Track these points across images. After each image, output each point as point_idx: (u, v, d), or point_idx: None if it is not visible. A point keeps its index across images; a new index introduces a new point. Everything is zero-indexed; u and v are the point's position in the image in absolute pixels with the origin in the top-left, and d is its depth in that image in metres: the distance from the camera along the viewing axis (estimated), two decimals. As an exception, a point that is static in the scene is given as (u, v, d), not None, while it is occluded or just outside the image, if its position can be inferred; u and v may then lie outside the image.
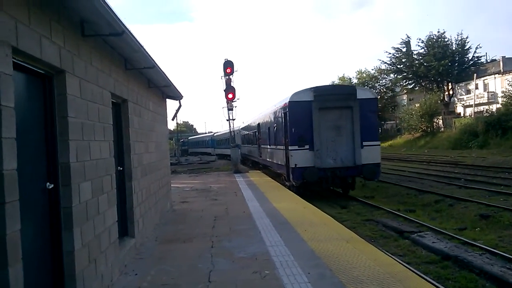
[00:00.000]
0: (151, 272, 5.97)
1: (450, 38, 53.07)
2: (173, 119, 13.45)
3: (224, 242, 7.54)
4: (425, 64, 52.50)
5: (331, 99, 14.99)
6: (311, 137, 14.68)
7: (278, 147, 17.77)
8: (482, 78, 49.17)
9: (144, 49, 6.17)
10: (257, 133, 25.33)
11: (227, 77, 23.62)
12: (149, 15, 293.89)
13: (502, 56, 47.99)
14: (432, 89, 54.44)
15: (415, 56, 55.45)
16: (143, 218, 7.89)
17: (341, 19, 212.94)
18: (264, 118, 22.47)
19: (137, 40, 5.62)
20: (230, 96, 23.99)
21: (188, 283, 5.47)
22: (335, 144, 14.88)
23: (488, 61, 52.81)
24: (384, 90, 63.59)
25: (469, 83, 50.78)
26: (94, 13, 4.33)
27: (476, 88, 48.93)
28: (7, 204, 2.99)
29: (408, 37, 56.59)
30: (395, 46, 57.46)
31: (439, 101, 50.53)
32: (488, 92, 48.43)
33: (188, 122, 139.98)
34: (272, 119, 19.27)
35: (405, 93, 63.06)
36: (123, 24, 4.79)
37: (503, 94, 40.13)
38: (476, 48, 52.67)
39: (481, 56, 53.68)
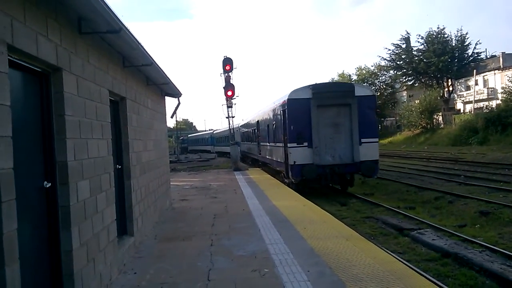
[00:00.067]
0: (150, 270, 5.95)
1: (449, 34, 53.05)
2: (172, 117, 13.43)
3: (224, 240, 7.53)
4: (424, 60, 52.39)
5: (330, 97, 15.04)
6: (310, 134, 14.74)
7: (277, 144, 17.80)
8: (482, 74, 49.09)
9: (142, 47, 6.14)
10: (256, 131, 25.32)
11: (226, 74, 23.58)
12: (148, 12, 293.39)
13: (502, 52, 47.85)
14: (432, 85, 54.34)
15: (414, 53, 55.33)
16: (142, 216, 7.87)
17: (340, 16, 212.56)
18: (263, 115, 22.49)
19: (134, 38, 5.58)
20: (229, 93, 23.96)
21: (187, 281, 5.45)
22: (334, 141, 14.95)
23: (488, 57, 52.74)
24: (384, 86, 63.50)
25: (469, 79, 50.69)
26: (91, 10, 4.30)
27: (476, 84, 48.85)
28: (3, 204, 2.96)
29: (408, 33, 56.56)
30: (395, 43, 57.45)
31: (438, 98, 50.48)
32: (488, 88, 48.37)
33: (187, 119, 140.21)
34: (271, 116, 19.29)
35: (404, 90, 62.99)
36: (120, 22, 4.75)
37: (503, 90, 40.09)
38: (476, 44, 52.69)
39: (480, 52, 53.68)
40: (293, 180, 15.29)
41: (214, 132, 59.47)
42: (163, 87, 10.66)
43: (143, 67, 7.47)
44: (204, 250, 6.87)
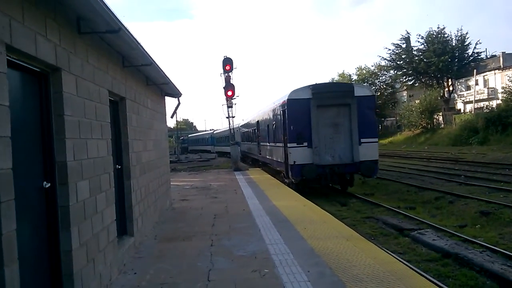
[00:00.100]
0: (150, 271, 5.94)
1: (450, 34, 53.04)
2: (172, 117, 13.41)
3: (224, 240, 7.51)
4: (425, 60, 52.36)
5: (329, 97, 15.08)
6: (310, 134, 14.78)
7: (277, 144, 17.82)
8: (482, 74, 49.06)
9: (141, 46, 6.13)
10: (256, 131, 25.34)
11: (226, 74, 23.57)
12: (148, 12, 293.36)
13: (502, 52, 47.82)
14: (432, 85, 54.31)
15: (415, 52, 55.31)
16: (142, 216, 7.86)
17: (340, 16, 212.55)
18: (263, 115, 22.51)
19: (134, 37, 5.57)
20: (229, 93, 23.95)
21: (187, 282, 5.44)
22: (333, 141, 15.00)
23: (488, 56, 52.72)
24: (384, 86, 63.44)
25: (469, 79, 50.65)
26: (90, 10, 4.29)
27: (476, 84, 48.82)
28: (2, 204, 2.95)
29: (408, 33, 56.56)
30: (395, 42, 57.42)
31: (439, 98, 50.45)
32: (488, 88, 48.33)
33: (188, 119, 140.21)
34: (271, 116, 19.32)
35: (405, 90, 62.96)
36: (120, 21, 4.74)
37: (503, 90, 40.02)
38: (476, 44, 52.64)
39: (481, 52, 53.65)
40: (293, 180, 15.32)
41: (214, 132, 59.47)
42: (163, 87, 10.65)
43: (143, 67, 7.46)
44: (204, 250, 6.85)
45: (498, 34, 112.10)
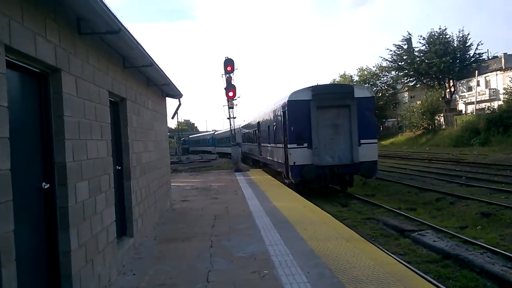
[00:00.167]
0: (150, 272, 5.94)
1: (451, 35, 52.95)
2: (173, 118, 13.42)
3: (224, 241, 7.50)
4: (426, 61, 52.32)
5: (329, 98, 15.18)
6: (310, 135, 14.87)
7: (278, 145, 17.89)
8: (484, 75, 48.99)
9: (142, 47, 6.13)
10: (257, 132, 25.39)
11: (227, 75, 23.58)
12: (150, 13, 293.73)
13: (504, 53, 47.73)
14: (433, 86, 54.25)
15: (416, 53, 55.30)
16: (142, 217, 7.85)
17: (341, 17, 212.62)
18: (264, 116, 22.60)
19: (134, 38, 5.58)
20: (230, 94, 23.96)
21: (186, 283, 5.43)
22: (333, 142, 15.09)
23: (490, 58, 52.64)
24: (385, 87, 63.42)
25: (470, 80, 50.60)
26: (90, 11, 4.29)
27: (478, 85, 48.75)
28: (0, 205, 2.95)
29: (409, 34, 56.54)
30: (396, 43, 57.40)
31: (440, 99, 50.38)
32: (489, 89, 48.26)
33: (189, 120, 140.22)
34: (272, 117, 19.41)
35: (406, 91, 62.91)
36: (120, 22, 4.74)
37: (504, 91, 39.98)
38: (478, 45, 52.75)
39: (482, 53, 53.60)
40: (293, 180, 15.39)
41: (216, 133, 59.49)
42: (164, 88, 10.65)
43: (143, 68, 7.46)
44: (204, 251, 6.85)
45: (499, 35, 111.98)
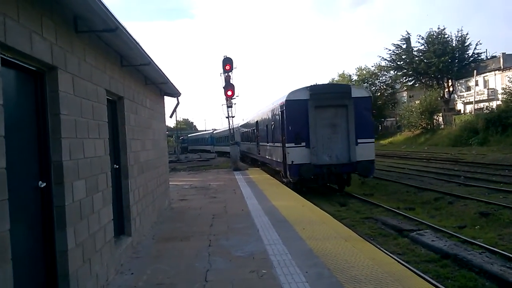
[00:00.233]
0: (147, 271, 5.91)
1: (450, 34, 52.97)
2: (171, 116, 13.39)
3: (222, 240, 7.48)
4: (425, 60, 52.33)
5: (327, 98, 15.31)
6: (307, 134, 14.99)
7: (276, 144, 17.98)
8: (482, 75, 49.02)
9: (139, 46, 6.09)
10: (255, 131, 25.43)
11: (226, 74, 23.54)
12: (148, 12, 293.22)
13: (502, 53, 47.77)
14: (432, 86, 54.30)
15: (415, 53, 55.29)
16: (140, 216, 7.82)
17: (340, 17, 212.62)
18: (262, 116, 22.66)
19: (131, 37, 5.54)
20: (229, 93, 23.92)
21: (184, 282, 5.41)
22: (331, 142, 15.22)
23: (488, 57, 52.66)
24: (384, 87, 63.44)
25: (469, 79, 50.62)
26: (87, 9, 4.25)
27: (476, 84, 48.77)
28: (-5, 204, 2.92)
29: (408, 34, 56.47)
30: (395, 43, 57.38)
31: (439, 98, 50.43)
32: (488, 88, 48.29)
33: (188, 119, 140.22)
34: (270, 117, 19.50)
35: (405, 90, 62.93)
36: (117, 20, 4.71)
37: (503, 91, 40.00)
38: (476, 44, 52.58)
39: (481, 53, 53.60)
40: (291, 179, 15.50)
41: (214, 132, 59.46)
42: (162, 87, 10.62)
43: (141, 66, 7.42)
44: (202, 251, 6.82)
45: (498, 34, 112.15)
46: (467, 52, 52.79)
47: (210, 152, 51.42)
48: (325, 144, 15.14)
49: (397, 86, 63.66)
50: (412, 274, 5.52)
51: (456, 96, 53.94)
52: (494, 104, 43.37)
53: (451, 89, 55.10)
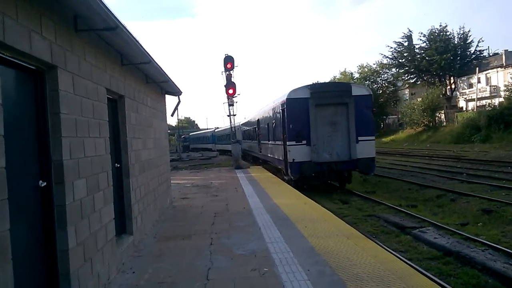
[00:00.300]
0: (149, 270, 5.90)
1: (452, 32, 52.84)
2: (172, 115, 13.46)
3: (224, 239, 7.47)
4: (427, 58, 52.17)
5: (327, 96, 15.41)
6: (308, 132, 15.07)
7: (277, 142, 18.06)
8: (485, 72, 48.84)
9: (140, 44, 6.07)
10: (257, 129, 25.46)
11: (227, 72, 23.51)
12: (150, 11, 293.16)
13: (505, 50, 47.61)
14: (434, 83, 54.16)
15: (417, 50, 55.13)
16: (142, 215, 7.82)
17: (341, 15, 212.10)
18: (263, 114, 22.73)
19: (131, 35, 5.52)
20: (230, 91, 23.88)
21: (186, 281, 5.40)
22: (331, 139, 15.29)
23: (491, 54, 52.42)
24: (386, 84, 63.30)
25: (471, 77, 50.45)
26: (87, 8, 4.24)
27: (479, 82, 48.61)
28: (-5, 204, 2.91)
29: (410, 31, 56.56)
30: (397, 40, 57.21)
31: (441, 95, 50.28)
32: (490, 86, 48.11)
33: (189, 118, 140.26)
34: (271, 115, 19.57)
35: (407, 88, 62.77)
36: (117, 19, 4.68)
37: (505, 88, 39.88)
38: (478, 41, 52.37)
39: (483, 50, 53.40)
40: (292, 177, 15.57)
41: (216, 130, 59.45)
42: (163, 85, 10.60)
43: (142, 65, 7.41)
44: (204, 249, 6.81)
45: (500, 31, 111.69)
46: (469, 49, 52.64)
47: (212, 151, 51.39)
48: (325, 142, 15.22)
49: (399, 84, 63.48)
50: (415, 272, 5.50)
51: (458, 94, 53.78)
52: (496, 101, 43.22)
53: (453, 86, 54.93)
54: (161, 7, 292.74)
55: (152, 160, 9.21)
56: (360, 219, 11.31)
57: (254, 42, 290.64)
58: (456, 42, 52.08)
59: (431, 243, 8.46)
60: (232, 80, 23.70)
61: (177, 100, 12.28)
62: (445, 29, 52.36)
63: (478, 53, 52.81)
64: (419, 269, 6.36)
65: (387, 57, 58.89)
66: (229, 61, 23.36)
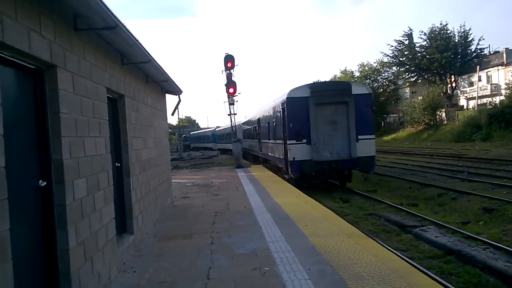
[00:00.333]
0: (150, 269, 5.90)
1: (452, 30, 52.79)
2: (172, 114, 13.37)
3: (224, 238, 7.46)
4: (427, 56, 52.13)
5: (327, 95, 15.44)
6: (309, 131, 15.09)
7: (277, 141, 18.08)
8: (485, 70, 48.80)
9: (140, 43, 6.05)
10: (257, 128, 25.49)
11: (228, 71, 23.48)
12: (150, 10, 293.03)
13: (506, 48, 47.59)
14: (434, 81, 54.12)
15: (417, 49, 55.08)
16: (142, 214, 7.81)
17: (342, 14, 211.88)
18: (264, 113, 22.77)
19: (131, 34, 5.50)
20: (231, 90, 23.85)
21: (186, 280, 5.39)
22: (331, 138, 15.32)
23: (491, 53, 52.42)
24: (387, 83, 63.27)
25: (472, 75, 50.41)
26: (86, 7, 4.22)
27: (479, 80, 48.56)
28: (-5, 203, 2.91)
29: (411, 30, 56.27)
30: (397, 39, 57.16)
31: (442, 94, 50.25)
32: (491, 84, 48.08)
33: (190, 117, 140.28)
34: (272, 114, 19.60)
35: (407, 86, 62.73)
36: (116, 18, 4.67)
37: (506, 86, 39.82)
38: (479, 40, 52.36)
39: (484, 48, 53.36)
40: (292, 176, 15.60)
41: (216, 129, 59.44)
42: (163, 84, 10.58)
43: (142, 64, 7.39)
44: (205, 248, 6.81)
45: (501, 30, 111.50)
46: (470, 48, 52.57)
47: (213, 150, 51.42)
48: (326, 141, 15.24)
49: (400, 82, 63.45)
50: (416, 271, 5.49)
51: (459, 92, 53.75)
52: (497, 99, 43.19)
53: (453, 84, 54.88)
54: (161, 7, 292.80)
55: (153, 159, 9.20)
56: (361, 218, 11.30)
57: (254, 41, 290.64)
58: (456, 41, 52.01)
59: (432, 242, 8.44)
60: (233, 79, 23.68)
61: (178, 99, 12.26)
62: (445, 28, 52.37)
63: (478, 51, 52.76)
64: (420, 268, 6.35)
65: (388, 55, 58.99)
66: (229, 60, 23.34)
